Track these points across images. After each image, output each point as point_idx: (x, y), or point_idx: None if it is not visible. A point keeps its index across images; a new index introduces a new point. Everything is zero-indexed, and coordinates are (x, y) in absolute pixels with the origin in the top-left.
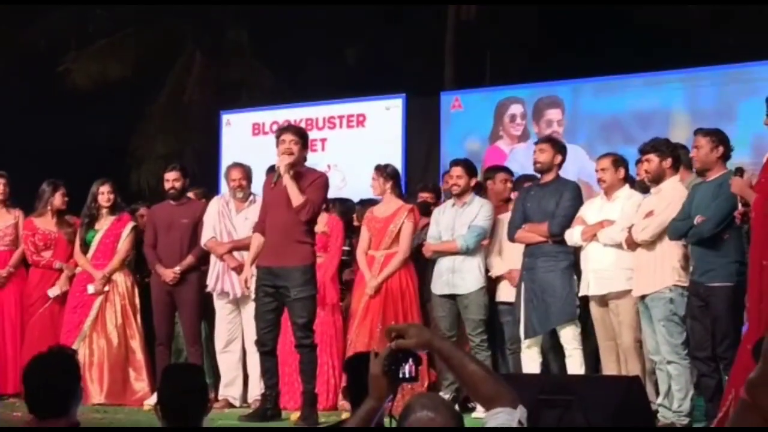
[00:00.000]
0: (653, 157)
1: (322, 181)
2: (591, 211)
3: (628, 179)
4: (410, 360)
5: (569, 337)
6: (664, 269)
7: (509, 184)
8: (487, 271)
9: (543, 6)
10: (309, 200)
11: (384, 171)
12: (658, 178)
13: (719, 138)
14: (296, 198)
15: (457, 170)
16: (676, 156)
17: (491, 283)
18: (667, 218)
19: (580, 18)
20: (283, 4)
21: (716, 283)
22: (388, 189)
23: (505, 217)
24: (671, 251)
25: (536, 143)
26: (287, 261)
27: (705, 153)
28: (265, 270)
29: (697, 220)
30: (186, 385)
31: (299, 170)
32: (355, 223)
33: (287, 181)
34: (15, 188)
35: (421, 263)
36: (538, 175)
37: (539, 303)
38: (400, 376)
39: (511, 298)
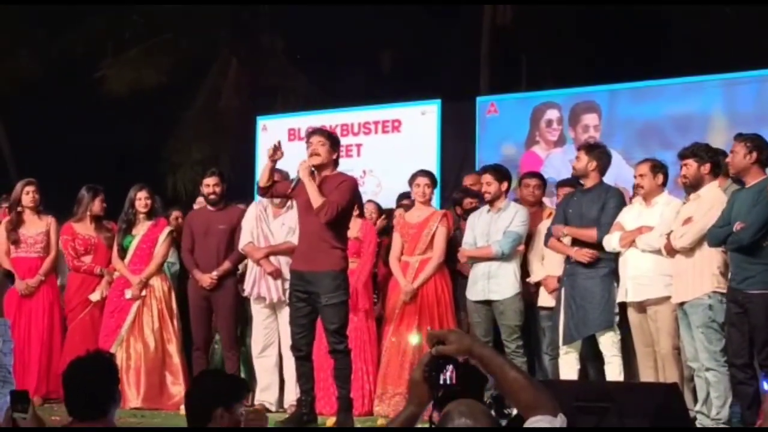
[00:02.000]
0: (692, 163)
1: (347, 184)
2: (629, 217)
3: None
4: (451, 366)
5: (608, 344)
6: (703, 276)
7: (535, 190)
8: (526, 276)
9: (579, 5)
10: (328, 202)
11: (433, 178)
12: (696, 184)
13: (754, 143)
14: (315, 200)
15: (486, 177)
16: (716, 161)
17: (532, 288)
18: (706, 225)
19: (616, 22)
20: (315, 4)
21: (755, 290)
22: (433, 196)
23: (543, 226)
24: (710, 257)
25: (577, 150)
26: (317, 266)
27: (739, 158)
28: (297, 275)
29: (737, 227)
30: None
31: (328, 174)
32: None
33: (306, 182)
34: (52, 193)
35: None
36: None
37: (578, 309)
38: (441, 382)
39: (552, 303)
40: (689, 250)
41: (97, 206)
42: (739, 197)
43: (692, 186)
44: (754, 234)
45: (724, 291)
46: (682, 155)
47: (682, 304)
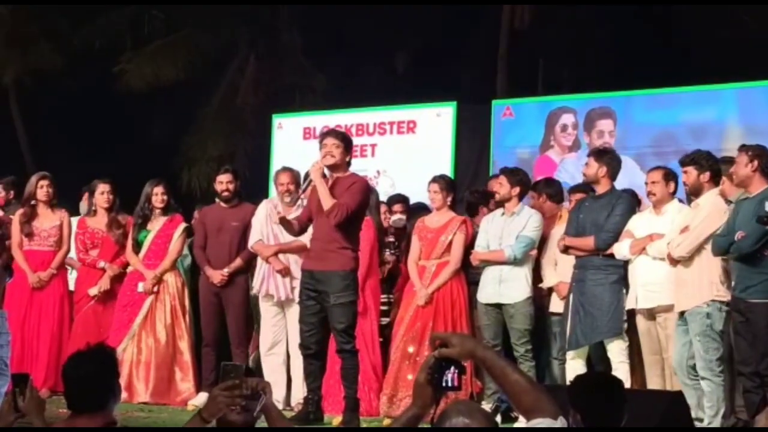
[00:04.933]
0: (692, 170)
1: (359, 186)
2: (640, 224)
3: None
4: (453, 369)
5: (616, 350)
6: (702, 284)
7: (537, 199)
8: (538, 281)
9: (596, 4)
10: (338, 204)
11: (446, 184)
12: (696, 192)
13: (756, 153)
14: (326, 202)
15: (501, 178)
16: (716, 169)
17: (544, 293)
18: (702, 233)
19: (633, 29)
20: (334, 3)
21: (755, 299)
22: (449, 201)
23: (557, 230)
24: (709, 266)
25: (587, 156)
26: (327, 266)
27: (741, 168)
28: (308, 274)
29: (738, 236)
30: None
31: (340, 175)
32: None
33: (318, 184)
34: (68, 187)
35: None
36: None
37: (585, 315)
38: (443, 384)
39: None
40: (688, 259)
41: (98, 199)
42: (742, 206)
43: (691, 194)
44: (754, 243)
45: (723, 299)
46: (683, 162)
47: (682, 313)
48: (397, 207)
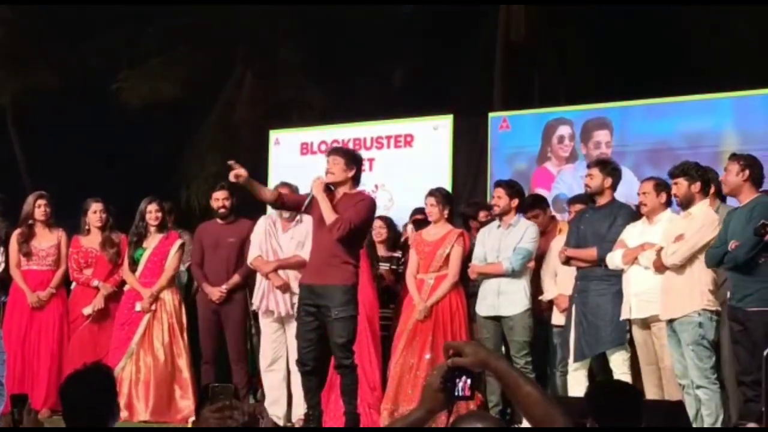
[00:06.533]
0: (682, 182)
1: (365, 203)
2: (632, 234)
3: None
4: (465, 378)
5: (619, 361)
6: (693, 293)
7: (539, 218)
8: (538, 293)
9: (593, 5)
10: (341, 218)
11: (443, 197)
12: (687, 203)
13: (747, 162)
14: (328, 216)
15: (499, 191)
16: (706, 180)
17: (545, 306)
18: (698, 242)
19: (628, 39)
20: (322, 3)
21: (753, 308)
22: (446, 214)
23: (556, 243)
24: (700, 275)
25: (588, 167)
26: (328, 280)
27: (732, 177)
28: (307, 288)
29: (731, 246)
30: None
31: (346, 192)
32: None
33: (319, 199)
34: (67, 205)
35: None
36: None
37: (589, 326)
38: (455, 394)
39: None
40: (679, 268)
41: (91, 217)
42: (734, 216)
43: (682, 205)
44: (748, 252)
45: (713, 309)
46: (672, 174)
47: (671, 321)
48: (419, 216)
